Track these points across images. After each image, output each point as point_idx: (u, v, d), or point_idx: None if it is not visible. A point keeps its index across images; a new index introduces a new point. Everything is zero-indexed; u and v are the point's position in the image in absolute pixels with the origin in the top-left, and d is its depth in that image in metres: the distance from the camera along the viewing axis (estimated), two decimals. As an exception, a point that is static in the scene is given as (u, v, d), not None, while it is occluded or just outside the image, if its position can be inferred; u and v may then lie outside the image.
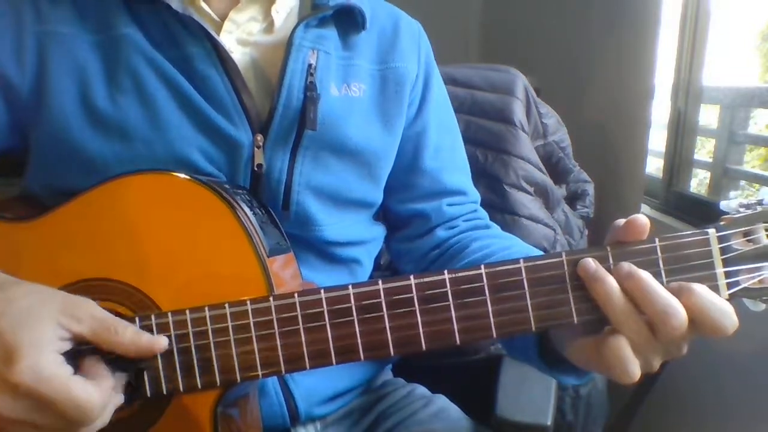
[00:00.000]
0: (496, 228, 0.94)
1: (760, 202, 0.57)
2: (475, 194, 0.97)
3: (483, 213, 0.97)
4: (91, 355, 0.58)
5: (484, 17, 1.93)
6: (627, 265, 0.57)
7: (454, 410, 0.91)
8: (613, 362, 0.56)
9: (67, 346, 0.55)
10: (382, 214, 0.95)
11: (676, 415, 1.60)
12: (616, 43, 1.68)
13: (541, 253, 0.71)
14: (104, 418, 0.56)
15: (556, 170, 1.46)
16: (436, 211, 0.91)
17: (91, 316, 0.56)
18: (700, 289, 0.55)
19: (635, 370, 0.56)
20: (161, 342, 0.60)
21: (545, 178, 1.36)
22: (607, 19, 1.70)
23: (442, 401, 0.92)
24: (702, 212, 1.71)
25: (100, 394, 0.55)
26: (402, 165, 0.90)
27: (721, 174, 1.89)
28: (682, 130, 1.88)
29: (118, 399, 0.59)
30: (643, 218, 0.58)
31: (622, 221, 0.59)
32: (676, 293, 0.55)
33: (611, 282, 0.56)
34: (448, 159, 0.93)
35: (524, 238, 1.19)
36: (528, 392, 0.97)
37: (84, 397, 0.53)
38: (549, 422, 0.93)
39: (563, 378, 0.70)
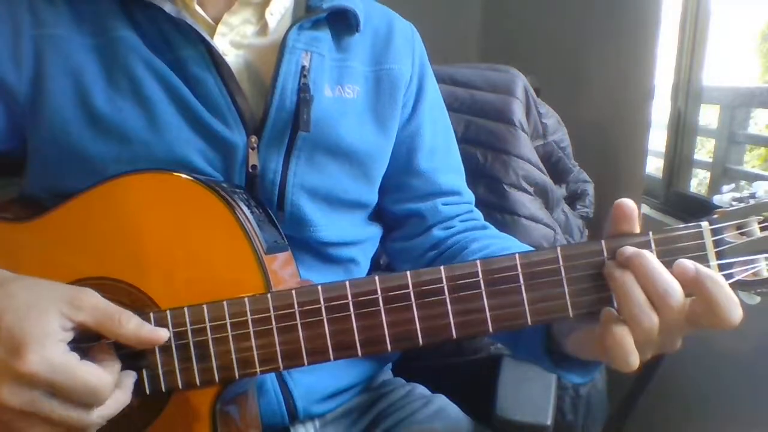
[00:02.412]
0: (492, 229, 0.94)
1: (752, 196, 0.58)
2: (469, 195, 0.97)
3: (478, 213, 0.97)
4: (99, 343, 0.59)
5: (484, 17, 1.93)
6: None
7: (453, 410, 0.91)
8: (615, 352, 0.56)
9: (71, 335, 0.56)
10: (378, 215, 0.96)
11: (674, 409, 1.59)
12: (616, 43, 1.68)
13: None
14: (109, 410, 0.57)
15: (556, 170, 1.46)
16: (432, 210, 0.91)
17: (93, 306, 0.57)
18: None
19: (636, 361, 0.56)
20: (162, 334, 0.60)
21: (545, 178, 1.36)
22: (607, 19, 1.70)
23: (441, 401, 0.92)
24: (702, 212, 1.70)
25: (108, 375, 0.56)
26: (396, 166, 0.90)
27: (721, 174, 1.89)
28: (682, 130, 1.88)
29: (125, 397, 0.59)
30: (627, 200, 0.59)
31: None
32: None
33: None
34: (443, 160, 0.93)
35: (524, 238, 1.19)
36: (528, 392, 0.97)
37: (94, 379, 0.55)
38: (549, 422, 0.93)
39: (567, 376, 0.70)
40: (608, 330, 0.56)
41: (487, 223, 0.96)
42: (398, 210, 0.93)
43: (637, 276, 0.56)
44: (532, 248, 0.84)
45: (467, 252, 0.84)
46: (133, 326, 0.58)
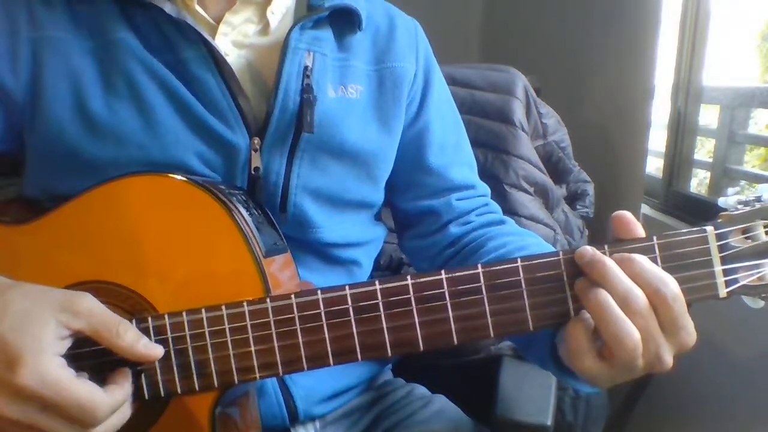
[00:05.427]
0: (510, 223, 0.92)
1: (758, 199, 0.57)
2: (483, 188, 0.96)
3: (495, 206, 0.96)
4: (120, 369, 0.59)
5: (484, 17, 1.92)
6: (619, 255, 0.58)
7: (453, 410, 0.91)
8: (573, 349, 0.58)
9: (68, 343, 0.56)
10: (392, 214, 0.95)
11: (675, 412, 1.59)
12: (616, 43, 1.68)
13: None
14: (105, 429, 0.57)
15: (556, 170, 1.45)
16: (446, 206, 0.90)
17: (90, 312, 0.57)
18: (641, 259, 0.57)
19: (592, 364, 0.58)
20: (158, 351, 0.60)
21: (545, 178, 1.36)
22: (607, 19, 1.70)
23: (441, 401, 0.92)
24: (702, 212, 1.70)
25: (105, 397, 0.56)
26: (407, 164, 0.89)
27: (721, 174, 1.88)
28: (682, 130, 1.88)
29: (122, 415, 0.59)
30: (625, 213, 0.59)
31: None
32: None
33: (611, 263, 0.57)
34: (453, 155, 0.92)
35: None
36: (528, 392, 0.97)
37: (87, 398, 0.54)
38: (549, 422, 0.93)
39: (574, 383, 0.70)
40: (568, 327, 0.58)
41: (506, 217, 0.94)
42: (412, 208, 0.92)
43: (599, 283, 0.57)
44: (551, 246, 0.83)
45: (484, 251, 0.83)
46: (129, 339, 0.58)
